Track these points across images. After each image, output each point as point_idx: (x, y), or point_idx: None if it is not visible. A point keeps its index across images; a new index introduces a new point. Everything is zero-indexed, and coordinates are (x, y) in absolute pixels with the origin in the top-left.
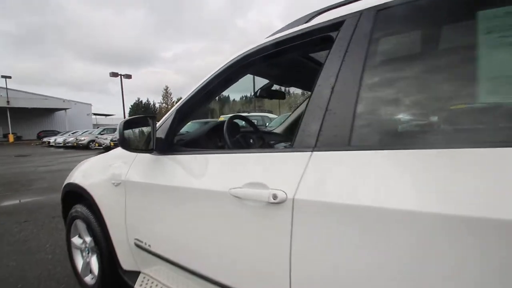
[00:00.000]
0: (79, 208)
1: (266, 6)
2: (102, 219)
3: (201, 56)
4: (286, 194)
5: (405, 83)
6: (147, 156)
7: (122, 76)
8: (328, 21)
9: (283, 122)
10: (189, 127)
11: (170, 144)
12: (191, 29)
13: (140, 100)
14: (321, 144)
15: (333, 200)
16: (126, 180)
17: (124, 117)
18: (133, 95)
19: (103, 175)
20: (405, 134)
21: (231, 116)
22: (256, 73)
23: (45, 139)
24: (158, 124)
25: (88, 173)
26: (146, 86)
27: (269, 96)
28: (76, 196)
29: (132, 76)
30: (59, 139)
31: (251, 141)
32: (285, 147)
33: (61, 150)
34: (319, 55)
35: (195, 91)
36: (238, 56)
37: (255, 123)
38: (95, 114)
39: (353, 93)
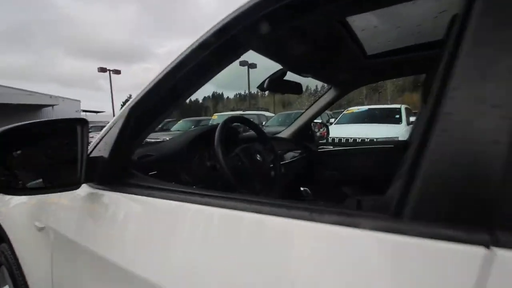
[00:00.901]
0: (4, 250)
1: None
2: (22, 274)
3: None
4: None
5: None
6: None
7: (111, 72)
8: None
9: (292, 124)
10: (181, 125)
11: (120, 169)
12: (185, 25)
13: (132, 97)
14: None
15: None
16: (51, 227)
17: (114, 115)
18: (125, 92)
19: (25, 210)
20: None
21: (226, 120)
22: (263, 48)
23: None
24: (100, 134)
25: (9, 201)
26: (140, 83)
27: (281, 89)
28: None
29: (123, 72)
30: None
31: (258, 157)
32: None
33: None
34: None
35: (161, 77)
36: (237, 12)
37: None
38: (84, 111)
39: None
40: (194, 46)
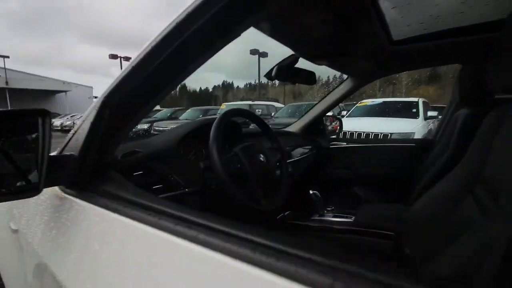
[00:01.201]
0: None
1: None
2: None
3: None
4: None
5: None
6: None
7: (122, 58)
8: None
9: (303, 116)
10: (189, 114)
11: (92, 170)
12: None
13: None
14: None
15: None
16: (22, 231)
17: None
18: None
19: (3, 208)
20: None
21: (224, 113)
22: (268, 25)
23: None
24: (73, 128)
25: None
26: None
27: (292, 78)
28: None
29: None
30: (57, 122)
31: (261, 157)
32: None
33: (58, 134)
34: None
35: (141, 58)
36: None
37: (259, 113)
38: (96, 97)
39: None
40: (181, 18)
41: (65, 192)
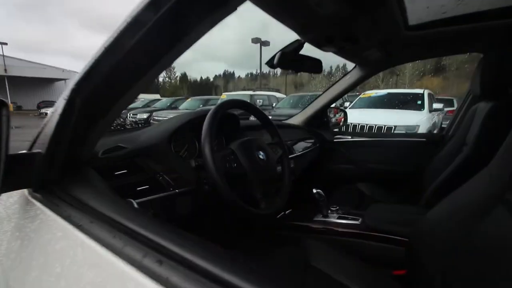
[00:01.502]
0: None
1: None
2: None
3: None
4: None
5: None
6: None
7: None
8: None
9: (306, 108)
10: (189, 104)
11: (65, 169)
12: None
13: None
14: None
15: None
16: None
17: None
18: None
19: None
20: None
21: (220, 104)
22: (274, 6)
23: (42, 110)
24: (40, 127)
25: None
26: None
27: (295, 66)
28: None
29: None
30: None
31: (261, 155)
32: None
33: None
34: None
35: (116, 37)
36: None
37: (260, 104)
38: None
39: None
40: None
41: (33, 196)
